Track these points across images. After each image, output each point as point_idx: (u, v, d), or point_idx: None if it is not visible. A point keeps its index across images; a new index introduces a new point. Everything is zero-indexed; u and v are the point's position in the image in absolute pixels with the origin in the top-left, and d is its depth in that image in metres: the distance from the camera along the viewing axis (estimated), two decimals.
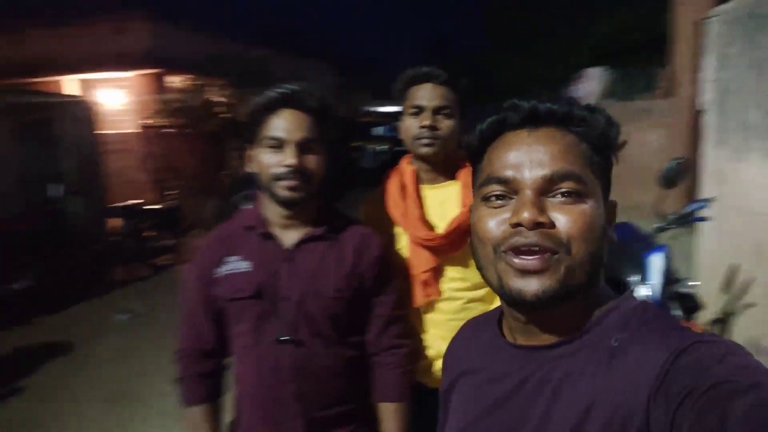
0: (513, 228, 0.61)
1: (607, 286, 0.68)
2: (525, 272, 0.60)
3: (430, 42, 31.96)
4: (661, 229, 2.46)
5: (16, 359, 4.09)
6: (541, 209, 0.60)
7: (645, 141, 8.04)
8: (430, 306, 1.45)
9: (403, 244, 1.46)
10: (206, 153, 9.76)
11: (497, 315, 0.76)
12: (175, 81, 10.32)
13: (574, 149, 0.62)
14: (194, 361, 1.32)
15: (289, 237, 1.28)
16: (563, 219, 0.60)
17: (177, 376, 1.34)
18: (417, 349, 1.46)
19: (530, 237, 0.59)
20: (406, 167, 1.50)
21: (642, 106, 8.13)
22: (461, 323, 1.44)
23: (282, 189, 1.20)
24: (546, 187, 0.61)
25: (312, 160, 1.22)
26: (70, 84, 10.44)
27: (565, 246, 0.59)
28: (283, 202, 1.22)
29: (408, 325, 1.36)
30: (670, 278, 2.28)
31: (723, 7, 3.38)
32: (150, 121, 9.51)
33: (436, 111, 1.39)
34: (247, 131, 1.27)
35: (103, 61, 9.64)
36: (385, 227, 1.48)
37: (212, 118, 9.52)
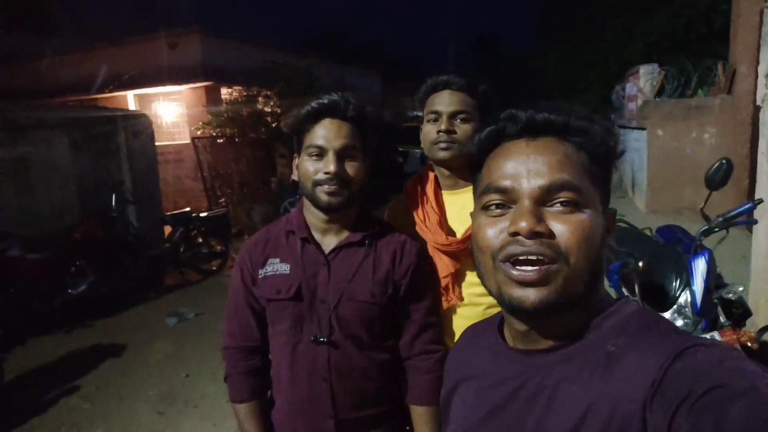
0: (511, 237, 0.62)
1: (608, 293, 0.68)
2: (523, 283, 0.61)
3: (476, 44, 31.67)
4: (707, 232, 2.34)
5: (71, 361, 4.33)
6: (539, 219, 0.60)
7: (700, 140, 7.67)
8: (451, 311, 1.46)
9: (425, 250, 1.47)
10: (255, 161, 10.07)
11: (497, 320, 0.77)
12: (226, 92, 10.71)
13: (572, 159, 0.63)
14: (241, 358, 1.38)
15: (329, 242, 1.33)
16: (561, 229, 0.60)
17: (225, 373, 1.41)
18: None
19: (528, 246, 0.60)
20: (428, 173, 1.53)
21: (697, 103, 7.74)
22: None
23: (322, 194, 1.24)
24: (544, 197, 0.61)
25: (352, 167, 1.27)
26: (127, 98, 11.04)
27: (564, 256, 0.60)
28: (324, 208, 1.27)
29: (440, 332, 1.39)
30: (713, 283, 2.16)
31: None
32: (202, 132, 9.91)
33: (453, 116, 1.42)
34: (292, 141, 1.33)
35: (158, 75, 10.13)
36: (406, 232, 1.51)
37: (261, 126, 9.82)
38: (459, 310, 1.45)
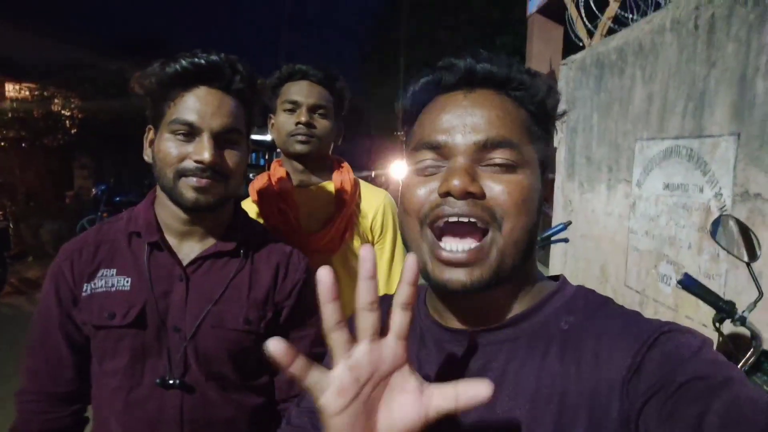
0: (441, 198, 0.55)
1: (540, 270, 0.64)
2: (452, 264, 0.55)
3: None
4: None
5: None
6: (473, 178, 0.55)
7: None
8: None
9: None
10: (47, 171, 8.68)
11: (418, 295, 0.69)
12: (13, 88, 9.13)
13: (511, 115, 0.58)
14: (42, 409, 1.00)
15: (188, 249, 1.01)
16: (497, 189, 0.55)
17: (9, 430, 1.01)
18: None
19: (459, 207, 0.54)
20: (278, 169, 1.41)
21: None
22: None
23: (188, 189, 0.94)
24: (479, 155, 0.56)
25: (232, 156, 0.97)
26: None
27: (497, 221, 0.55)
28: (188, 206, 0.96)
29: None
30: None
31: (574, 56, 3.82)
32: None
33: (313, 109, 1.34)
34: (149, 108, 1.00)
35: None
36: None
37: (58, 132, 8.54)
38: None
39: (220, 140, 0.96)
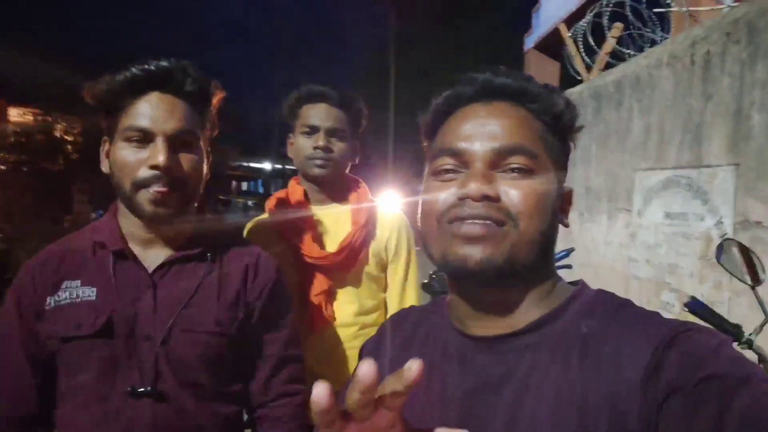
0: (460, 200, 0.58)
1: (562, 277, 0.65)
2: (470, 239, 0.57)
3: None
4: None
5: None
6: (490, 182, 0.58)
7: None
8: (323, 332, 1.36)
9: (290, 268, 1.37)
10: (46, 195, 8.69)
11: (440, 306, 0.70)
12: (17, 113, 9.22)
13: (527, 125, 0.61)
14: None
15: (154, 257, 1.00)
16: (512, 193, 0.58)
17: None
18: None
19: (476, 208, 0.57)
20: (296, 187, 1.45)
21: None
22: (354, 351, 1.37)
23: (146, 202, 0.92)
24: (497, 161, 0.59)
25: (189, 161, 0.95)
26: None
27: (513, 219, 0.57)
28: (146, 218, 0.95)
29: (302, 368, 1.13)
30: None
31: (572, 89, 3.92)
32: None
33: (331, 133, 1.36)
34: (103, 119, 0.98)
35: None
36: (269, 251, 1.41)
37: (59, 156, 8.58)
38: (330, 331, 1.36)
39: (175, 144, 0.94)
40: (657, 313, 0.57)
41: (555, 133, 0.63)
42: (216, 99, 1.04)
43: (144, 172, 0.91)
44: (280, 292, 1.08)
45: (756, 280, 1.35)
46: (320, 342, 1.36)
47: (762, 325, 1.35)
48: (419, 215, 0.64)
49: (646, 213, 2.83)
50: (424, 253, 0.66)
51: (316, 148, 1.35)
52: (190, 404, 0.96)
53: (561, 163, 0.64)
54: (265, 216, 1.45)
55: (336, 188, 1.43)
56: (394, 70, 15.43)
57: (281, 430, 1.04)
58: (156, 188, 0.91)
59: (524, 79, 0.63)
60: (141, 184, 0.91)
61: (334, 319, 1.36)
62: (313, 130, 1.36)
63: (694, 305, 1.38)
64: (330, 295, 1.36)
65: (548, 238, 0.60)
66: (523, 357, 0.57)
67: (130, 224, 0.99)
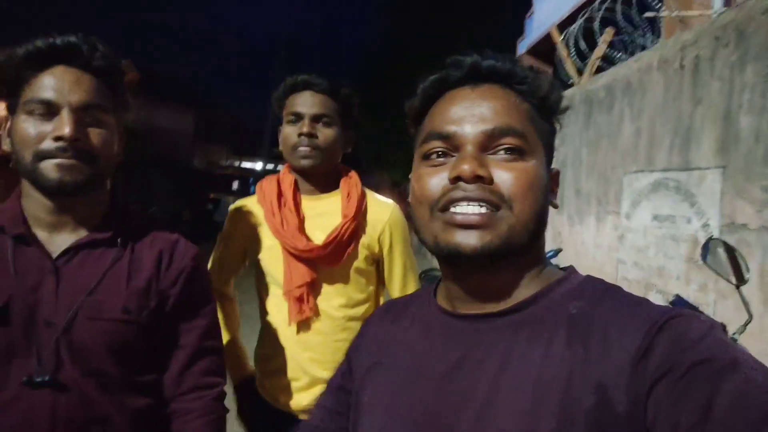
0: (452, 184, 0.58)
1: (551, 261, 0.65)
2: (465, 226, 0.56)
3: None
4: None
5: None
6: (482, 164, 0.57)
7: None
8: (304, 325, 1.34)
9: (277, 257, 1.35)
10: None
11: (428, 291, 0.71)
12: None
13: (516, 106, 0.61)
14: None
15: (60, 241, 0.94)
16: (505, 176, 0.57)
17: None
18: (279, 373, 1.34)
19: (469, 190, 0.56)
20: (286, 176, 1.42)
21: None
22: (341, 344, 1.33)
23: (51, 170, 0.86)
24: (487, 143, 0.59)
25: (98, 135, 0.90)
26: None
27: (507, 202, 0.57)
28: (52, 188, 0.89)
29: (221, 361, 1.07)
30: None
31: (564, 93, 3.94)
32: None
33: (316, 119, 1.34)
34: (6, 96, 0.93)
35: None
36: (254, 237, 1.38)
37: None
38: (314, 325, 1.33)
39: (83, 118, 0.89)
40: (646, 299, 0.57)
41: (542, 114, 0.63)
42: (128, 78, 0.99)
43: (48, 144, 0.85)
44: (197, 281, 1.03)
45: (741, 280, 1.36)
46: (302, 333, 1.34)
47: (745, 324, 1.36)
48: (410, 200, 0.64)
49: (635, 215, 2.85)
50: (417, 238, 0.65)
51: (300, 135, 1.32)
52: (94, 394, 0.91)
53: (549, 144, 0.64)
54: (254, 198, 1.43)
55: (325, 178, 1.40)
56: (390, 74, 15.47)
57: (194, 424, 0.99)
58: (62, 157, 0.85)
59: (511, 61, 0.63)
60: (44, 155, 0.86)
61: (317, 312, 1.34)
62: (297, 118, 1.34)
63: (679, 303, 1.39)
64: (314, 288, 1.34)
65: (541, 219, 0.60)
66: (508, 333, 0.57)
67: (35, 207, 0.93)
